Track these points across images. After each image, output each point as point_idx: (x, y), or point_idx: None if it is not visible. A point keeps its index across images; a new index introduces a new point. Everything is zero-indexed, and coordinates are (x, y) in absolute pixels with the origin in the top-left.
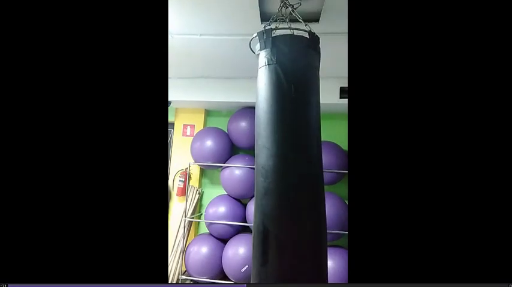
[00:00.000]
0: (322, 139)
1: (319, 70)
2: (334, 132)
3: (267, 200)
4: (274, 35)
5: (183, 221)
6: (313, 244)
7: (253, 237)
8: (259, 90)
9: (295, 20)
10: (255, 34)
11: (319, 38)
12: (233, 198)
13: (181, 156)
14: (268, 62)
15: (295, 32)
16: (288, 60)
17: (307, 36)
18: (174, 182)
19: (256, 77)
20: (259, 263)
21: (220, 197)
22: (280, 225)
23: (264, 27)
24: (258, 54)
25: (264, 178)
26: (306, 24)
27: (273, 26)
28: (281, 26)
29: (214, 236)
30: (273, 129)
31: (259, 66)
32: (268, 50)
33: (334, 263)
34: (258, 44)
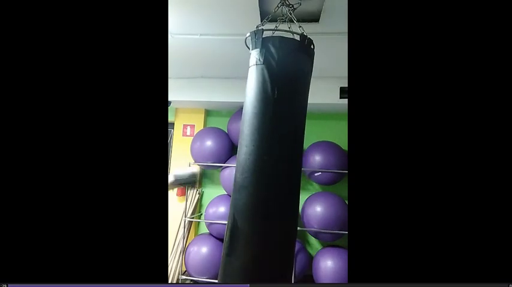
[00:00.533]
0: (322, 139)
1: (310, 74)
2: (334, 133)
3: (240, 195)
4: (266, 36)
5: (183, 221)
6: (279, 241)
7: (226, 229)
8: (247, 89)
9: (296, 20)
10: (248, 34)
11: (312, 41)
12: None
13: (181, 156)
14: (256, 62)
15: (292, 31)
16: (275, 62)
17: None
18: None
19: None
20: (225, 252)
21: (220, 197)
22: (249, 220)
23: (257, 27)
24: (250, 54)
25: (241, 174)
26: (299, 26)
27: (271, 25)
28: (281, 26)
29: (214, 236)
30: (253, 128)
31: (250, 65)
32: (258, 50)
33: (334, 263)
34: (251, 43)
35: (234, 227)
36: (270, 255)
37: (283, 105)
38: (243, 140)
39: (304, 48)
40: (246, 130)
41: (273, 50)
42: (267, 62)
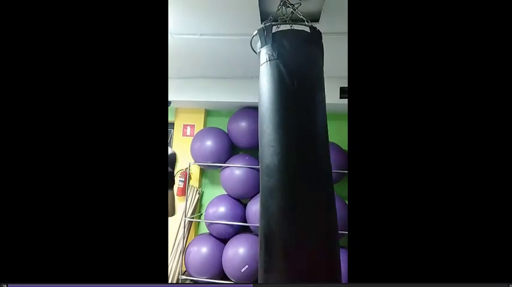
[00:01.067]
0: None
1: (322, 67)
2: (334, 132)
3: (272, 200)
4: (275, 31)
5: (183, 221)
6: (323, 248)
7: (259, 241)
8: (262, 87)
9: (296, 20)
10: (255, 32)
11: (321, 33)
12: (233, 198)
13: (181, 156)
14: (269, 58)
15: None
16: (290, 54)
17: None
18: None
19: (257, 77)
20: (264, 269)
21: (220, 197)
22: (287, 228)
23: (264, 23)
24: (259, 52)
25: (269, 177)
26: (307, 21)
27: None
28: (282, 26)
29: (214, 236)
30: (276, 125)
31: (261, 63)
32: (269, 46)
33: None
34: (259, 42)
35: (270, 237)
36: (314, 262)
37: (304, 97)
38: (267, 140)
39: (316, 39)
40: (268, 129)
41: (285, 43)
42: (280, 56)
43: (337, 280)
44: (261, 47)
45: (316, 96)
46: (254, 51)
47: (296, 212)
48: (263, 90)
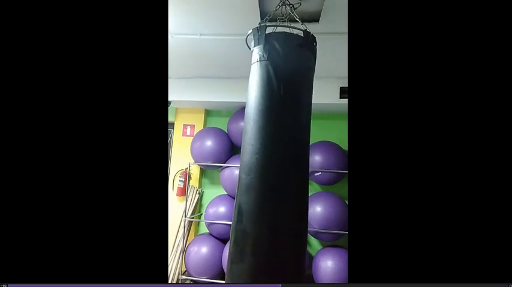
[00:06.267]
0: (322, 139)
1: (313, 70)
2: (334, 133)
3: (247, 197)
4: (269, 32)
5: (183, 221)
6: (291, 244)
7: (231, 234)
8: (250, 86)
9: (294, 21)
10: (250, 31)
11: (315, 38)
12: (233, 198)
13: (181, 156)
14: (260, 58)
15: (293, 31)
16: (280, 58)
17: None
18: (174, 182)
19: None
20: (235, 261)
21: (220, 197)
22: (259, 223)
23: (259, 23)
24: (252, 51)
25: (246, 174)
26: (302, 23)
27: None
28: (281, 25)
29: (214, 236)
30: (259, 126)
31: (252, 62)
32: (261, 46)
33: (334, 263)
34: (253, 40)
35: (242, 231)
36: (281, 259)
37: (289, 102)
38: (248, 138)
39: (308, 44)
40: (251, 128)
41: (277, 45)
42: (271, 58)
43: (301, 275)
44: (254, 46)
45: (302, 102)
46: (248, 47)
47: (268, 209)
48: (251, 89)
